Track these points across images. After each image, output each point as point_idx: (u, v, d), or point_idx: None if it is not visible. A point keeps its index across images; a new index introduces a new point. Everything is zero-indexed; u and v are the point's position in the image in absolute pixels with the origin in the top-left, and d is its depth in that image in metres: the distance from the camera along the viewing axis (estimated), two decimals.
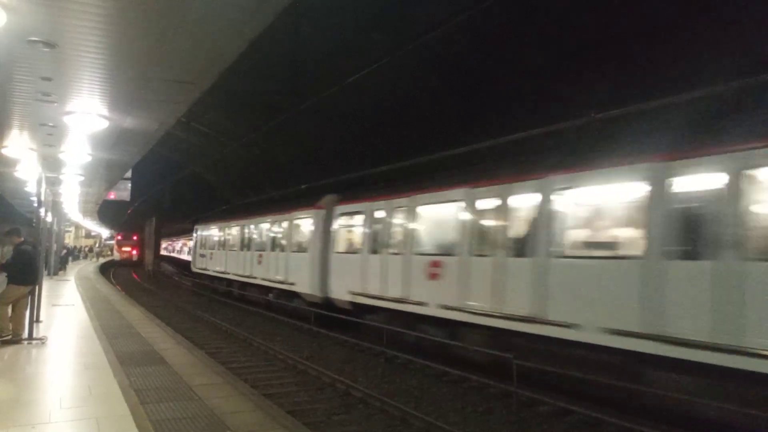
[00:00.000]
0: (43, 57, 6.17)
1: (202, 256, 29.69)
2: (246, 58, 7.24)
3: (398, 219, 13.07)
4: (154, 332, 11.90)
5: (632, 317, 7.82)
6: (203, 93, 8.07)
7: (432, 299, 11.52)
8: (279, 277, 18.78)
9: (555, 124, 12.12)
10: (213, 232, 27.93)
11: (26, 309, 9.93)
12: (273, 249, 19.81)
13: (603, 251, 8.76)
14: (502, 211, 10.22)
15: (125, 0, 4.92)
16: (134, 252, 63.84)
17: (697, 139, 7.75)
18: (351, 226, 15.44)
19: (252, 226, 22.20)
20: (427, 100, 15.97)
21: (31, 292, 10.05)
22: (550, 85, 12.57)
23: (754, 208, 6.91)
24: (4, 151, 11.68)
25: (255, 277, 21.10)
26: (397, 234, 13.01)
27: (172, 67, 6.67)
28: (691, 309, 7.21)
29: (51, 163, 13.09)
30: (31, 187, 16.23)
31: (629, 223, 8.51)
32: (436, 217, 12.22)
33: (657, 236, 7.76)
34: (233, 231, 24.47)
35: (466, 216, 11.05)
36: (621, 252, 8.47)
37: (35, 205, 11.43)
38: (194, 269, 31.23)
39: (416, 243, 12.45)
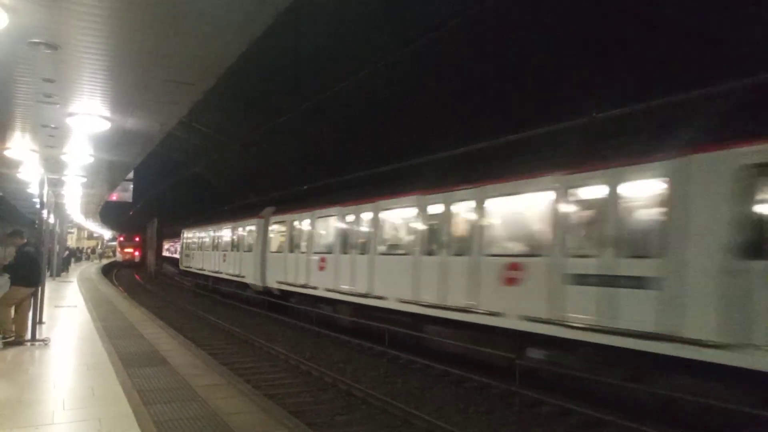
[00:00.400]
0: (45, 58, 6.19)
1: (187, 256, 34.94)
2: (247, 59, 7.25)
3: (305, 227, 17.63)
4: (156, 333, 11.92)
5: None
6: (204, 94, 8.08)
7: (321, 285, 15.90)
8: (235, 272, 23.75)
9: (556, 124, 12.15)
10: (194, 236, 33.14)
11: (29, 310, 9.95)
12: (232, 249, 24.95)
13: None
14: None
15: (127, 1, 4.93)
16: (136, 253, 63.99)
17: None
18: (279, 232, 19.98)
19: (219, 231, 27.36)
20: (429, 100, 15.98)
21: (34, 294, 10.06)
22: (551, 85, 12.57)
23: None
24: (6, 153, 11.71)
25: (221, 273, 26.05)
26: (303, 238, 17.63)
27: (173, 69, 6.68)
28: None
29: (53, 165, 13.12)
30: (33, 189, 16.26)
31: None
32: (326, 227, 16.61)
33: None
34: (207, 234, 29.61)
35: (339, 225, 15.52)
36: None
37: (38, 206, 11.45)
38: (181, 267, 36.91)
39: (314, 245, 16.90)
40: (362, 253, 14.14)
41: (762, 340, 6.33)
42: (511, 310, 9.62)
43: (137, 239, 63.50)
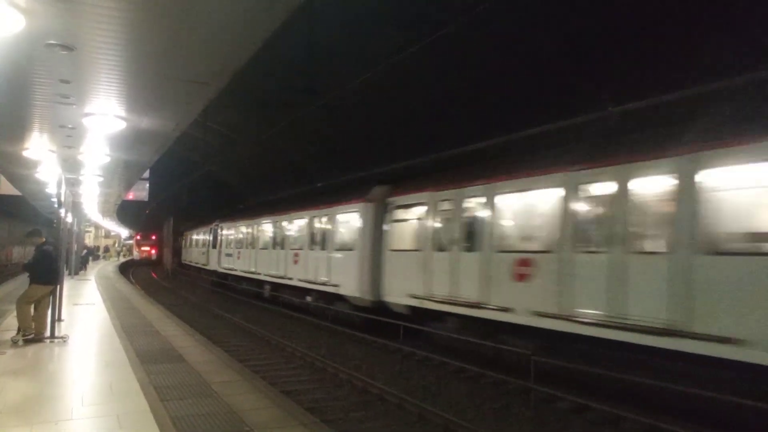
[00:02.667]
0: (61, 60, 6.25)
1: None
2: (260, 57, 7.27)
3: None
4: (173, 330, 12.04)
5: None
6: (219, 93, 8.12)
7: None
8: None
9: (572, 118, 12.06)
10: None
11: (48, 308, 10.10)
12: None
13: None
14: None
15: (140, 2, 4.97)
16: (153, 251, 64.75)
17: None
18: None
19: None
20: (443, 95, 15.92)
21: (53, 292, 10.20)
22: (567, 79, 12.46)
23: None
24: (25, 153, 11.87)
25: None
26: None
27: (187, 68, 6.72)
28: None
29: (70, 165, 13.27)
30: (51, 189, 16.47)
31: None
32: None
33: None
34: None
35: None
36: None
37: (56, 205, 11.60)
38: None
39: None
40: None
41: None
42: None
43: (154, 237, 64.22)
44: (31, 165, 13.51)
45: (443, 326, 12.32)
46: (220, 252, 29.86)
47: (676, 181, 7.85)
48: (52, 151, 11.78)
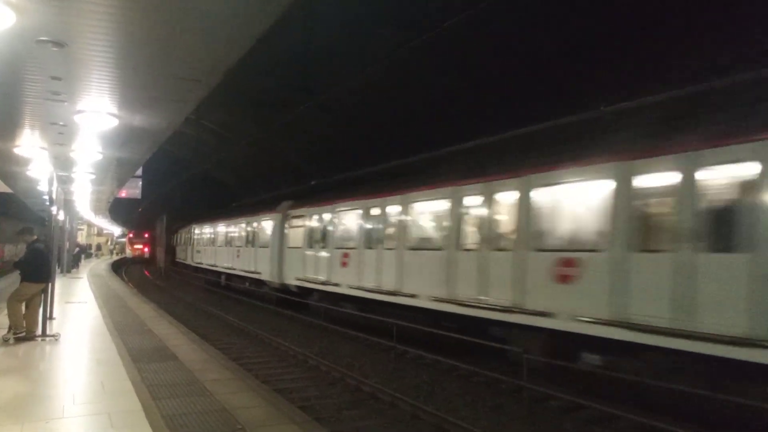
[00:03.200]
0: (52, 56, 6.20)
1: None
2: (254, 56, 7.25)
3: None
4: (165, 329, 12.00)
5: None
6: (211, 91, 8.09)
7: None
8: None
9: (565, 118, 12.10)
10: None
11: (40, 306, 10.04)
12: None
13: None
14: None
15: None
16: (146, 249, 64.53)
17: None
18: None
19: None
20: (437, 94, 15.93)
21: (45, 290, 10.15)
22: (560, 79, 12.50)
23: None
24: (16, 151, 11.79)
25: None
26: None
27: (179, 65, 6.69)
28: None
29: (62, 162, 13.19)
30: (43, 186, 16.37)
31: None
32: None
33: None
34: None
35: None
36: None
37: (47, 203, 11.53)
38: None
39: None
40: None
41: None
42: None
43: (146, 236, 64.00)
44: (23, 162, 13.42)
45: (314, 299, 17.84)
46: (193, 249, 36.59)
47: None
48: (44, 149, 11.70)
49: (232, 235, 27.23)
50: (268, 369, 11.25)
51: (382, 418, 8.30)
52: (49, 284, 10.48)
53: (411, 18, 12.98)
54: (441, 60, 14.31)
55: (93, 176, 16.18)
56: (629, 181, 8.28)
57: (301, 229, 18.85)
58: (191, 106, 8.93)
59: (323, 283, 16.64)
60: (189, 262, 37.49)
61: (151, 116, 9.17)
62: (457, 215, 11.69)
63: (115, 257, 64.55)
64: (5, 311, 10.05)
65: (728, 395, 6.84)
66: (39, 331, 9.85)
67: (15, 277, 11.13)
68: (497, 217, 10.89)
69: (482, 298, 10.60)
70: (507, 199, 10.63)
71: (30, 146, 11.48)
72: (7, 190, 21.50)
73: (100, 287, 22.37)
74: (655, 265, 7.82)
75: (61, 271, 25.15)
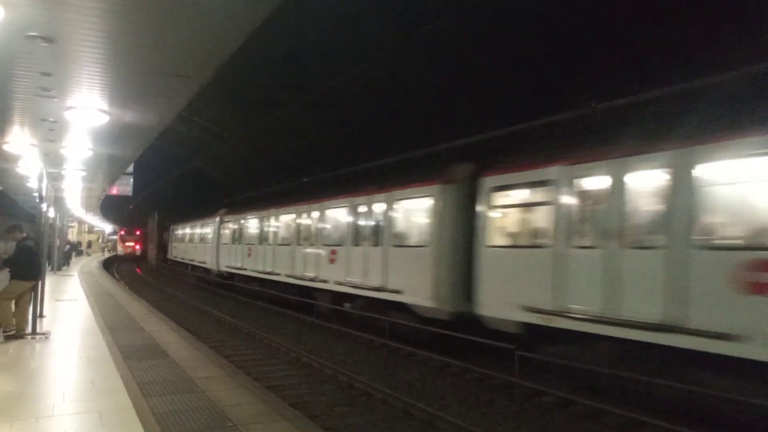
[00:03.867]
0: (41, 52, 6.16)
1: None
2: (245, 52, 7.23)
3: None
4: (157, 326, 11.95)
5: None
6: (203, 87, 8.05)
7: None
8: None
9: (556, 115, 12.12)
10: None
11: (29, 304, 9.98)
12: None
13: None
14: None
15: None
16: (137, 247, 64.27)
17: None
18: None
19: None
20: (429, 91, 15.94)
21: (34, 288, 10.09)
22: (550, 76, 12.53)
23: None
24: (5, 147, 11.70)
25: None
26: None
27: (170, 61, 6.66)
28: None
29: (52, 159, 13.11)
30: (33, 183, 16.26)
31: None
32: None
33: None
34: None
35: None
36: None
37: (37, 200, 11.45)
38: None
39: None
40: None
41: None
42: None
43: (138, 233, 63.73)
44: (12, 159, 13.31)
45: (236, 280, 24.45)
46: (171, 246, 42.98)
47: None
48: (34, 145, 11.62)
49: (192, 234, 34.20)
50: (260, 366, 11.24)
51: (375, 414, 8.32)
52: (39, 282, 10.41)
53: (403, 15, 12.97)
54: (433, 57, 14.31)
55: (84, 173, 16.10)
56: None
57: (228, 231, 25.79)
58: (183, 103, 8.90)
59: (239, 269, 23.61)
60: (169, 255, 44.52)
61: (142, 113, 9.13)
62: (299, 222, 17.89)
63: (107, 254, 64.32)
64: None
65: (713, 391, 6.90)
66: (29, 329, 9.79)
67: (4, 275, 11.04)
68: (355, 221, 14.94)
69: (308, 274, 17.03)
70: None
71: (19, 143, 11.39)
72: None
73: (91, 285, 22.25)
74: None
75: (52, 269, 25.00)
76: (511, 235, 10.62)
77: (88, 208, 35.96)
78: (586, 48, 11.65)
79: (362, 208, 14.42)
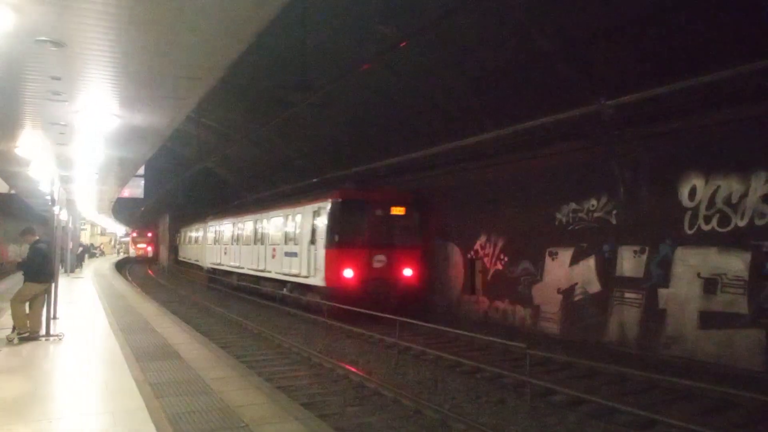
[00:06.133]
0: (51, 56, 6.22)
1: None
2: (252, 53, 7.25)
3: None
4: (168, 327, 12.02)
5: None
6: (211, 89, 8.10)
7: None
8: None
9: (565, 112, 12.06)
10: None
11: (43, 306, 10.06)
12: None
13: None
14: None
15: None
16: (149, 248, 64.70)
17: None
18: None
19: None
20: (437, 90, 15.88)
21: (48, 290, 10.17)
22: (559, 72, 12.44)
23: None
24: (17, 151, 11.82)
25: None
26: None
27: (178, 64, 6.70)
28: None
29: (64, 162, 13.24)
30: (45, 186, 16.41)
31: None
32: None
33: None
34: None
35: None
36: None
37: (50, 203, 11.56)
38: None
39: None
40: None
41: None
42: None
43: (150, 235, 64.15)
44: (24, 162, 13.45)
45: (216, 275, 30.48)
46: (180, 247, 48.77)
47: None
48: (45, 149, 11.73)
49: (192, 236, 40.69)
50: (271, 367, 11.27)
51: (386, 414, 8.30)
52: (53, 284, 10.50)
53: (409, 12, 12.93)
54: (440, 56, 14.26)
55: (95, 176, 16.24)
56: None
57: (211, 234, 32.58)
58: (191, 105, 8.95)
59: (218, 265, 29.78)
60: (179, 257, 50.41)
61: (152, 115, 9.19)
62: (255, 227, 24.25)
63: (121, 255, 65.21)
64: (9, 312, 10.08)
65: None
66: (43, 331, 9.87)
67: (19, 278, 11.15)
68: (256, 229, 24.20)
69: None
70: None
71: (31, 146, 11.50)
72: (9, 190, 21.55)
73: (103, 287, 22.42)
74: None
75: (65, 271, 25.22)
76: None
77: (100, 210, 36.25)
78: (595, 43, 11.58)
79: (288, 217, 20.51)
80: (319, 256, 17.34)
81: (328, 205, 17.28)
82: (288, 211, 20.48)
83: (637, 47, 11.07)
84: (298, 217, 19.36)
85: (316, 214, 17.91)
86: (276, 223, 21.58)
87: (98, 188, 20.72)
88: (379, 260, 17.23)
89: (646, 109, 11.14)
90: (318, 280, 17.37)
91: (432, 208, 18.47)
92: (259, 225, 23.53)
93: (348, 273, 16.69)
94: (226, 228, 29.00)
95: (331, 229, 16.96)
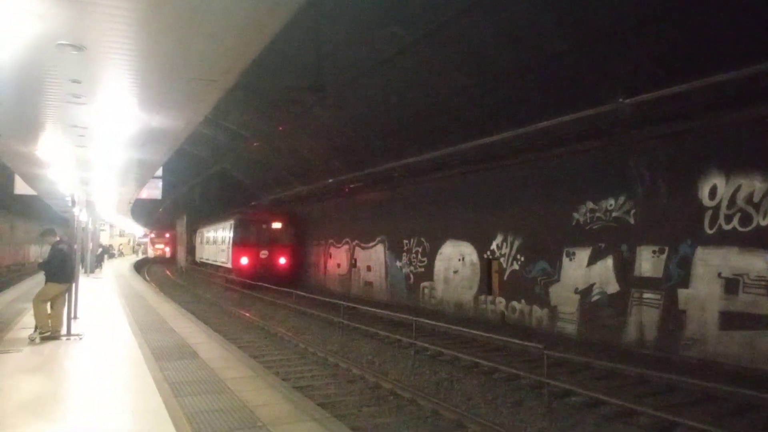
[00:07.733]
0: (71, 60, 6.28)
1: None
2: (268, 55, 7.28)
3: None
4: (186, 327, 12.13)
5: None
6: (227, 91, 8.13)
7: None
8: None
9: (582, 111, 11.96)
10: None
11: (64, 306, 10.21)
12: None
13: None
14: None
15: (149, 1, 4.98)
16: (167, 248, 65.41)
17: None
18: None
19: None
20: (450, 91, 15.82)
21: (68, 290, 10.32)
22: (575, 72, 12.34)
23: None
24: (38, 153, 11.98)
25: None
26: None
27: (195, 66, 6.73)
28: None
29: (83, 164, 13.37)
30: (65, 188, 16.63)
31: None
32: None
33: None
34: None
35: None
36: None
37: (70, 205, 11.71)
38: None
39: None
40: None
41: None
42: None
43: (168, 236, 64.84)
44: (45, 165, 13.63)
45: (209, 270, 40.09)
46: (196, 248, 56.03)
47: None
48: (65, 151, 11.88)
49: (197, 238, 47.24)
50: (288, 367, 11.33)
51: (402, 415, 8.31)
52: (73, 284, 10.64)
53: (423, 12, 12.89)
54: (453, 56, 14.20)
55: (114, 177, 16.40)
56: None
57: (199, 236, 43.75)
58: (208, 107, 8.99)
59: (203, 259, 41.08)
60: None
61: (169, 117, 9.24)
62: (215, 232, 36.89)
63: (141, 255, 66.27)
64: (31, 311, 10.24)
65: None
66: (64, 331, 10.02)
67: (41, 278, 11.33)
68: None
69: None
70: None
71: (51, 149, 11.65)
72: (32, 192, 21.87)
73: (122, 287, 22.69)
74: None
75: (85, 272, 25.55)
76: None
77: (119, 211, 36.69)
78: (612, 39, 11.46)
79: (225, 225, 33.81)
80: (230, 251, 31.27)
81: (233, 222, 31.56)
82: (221, 224, 35.23)
83: (656, 44, 10.94)
84: (223, 228, 34.10)
85: (231, 226, 31.60)
86: (217, 231, 36.29)
87: (117, 189, 20.92)
88: (264, 254, 29.74)
89: (664, 108, 11.00)
90: (228, 264, 31.85)
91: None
92: (212, 232, 38.06)
93: (244, 261, 29.92)
94: (204, 231, 41.98)
95: (234, 235, 30.97)
